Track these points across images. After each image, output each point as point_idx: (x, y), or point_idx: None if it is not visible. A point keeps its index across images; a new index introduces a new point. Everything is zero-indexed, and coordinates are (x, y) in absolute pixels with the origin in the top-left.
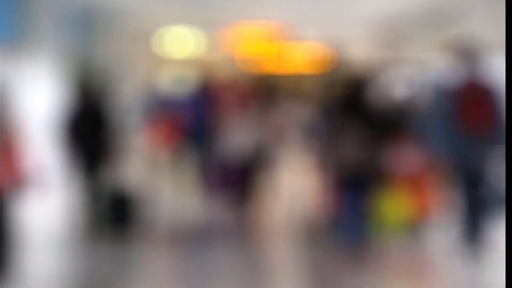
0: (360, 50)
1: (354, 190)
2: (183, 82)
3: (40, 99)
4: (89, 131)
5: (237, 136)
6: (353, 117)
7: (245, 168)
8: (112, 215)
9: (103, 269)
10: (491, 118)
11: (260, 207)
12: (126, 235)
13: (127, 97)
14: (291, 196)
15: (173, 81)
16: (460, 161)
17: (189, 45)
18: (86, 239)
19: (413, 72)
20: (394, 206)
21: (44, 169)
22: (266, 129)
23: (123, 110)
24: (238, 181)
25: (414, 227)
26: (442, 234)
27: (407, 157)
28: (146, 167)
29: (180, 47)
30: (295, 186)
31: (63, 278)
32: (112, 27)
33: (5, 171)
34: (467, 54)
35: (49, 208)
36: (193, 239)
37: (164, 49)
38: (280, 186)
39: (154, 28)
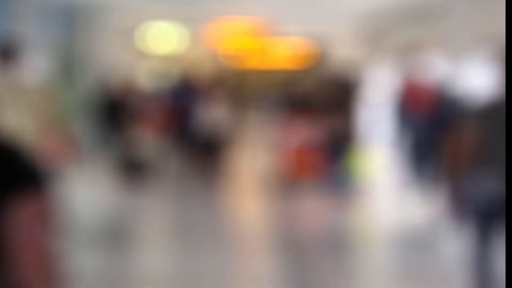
0: (343, 46)
1: (340, 151)
2: (165, 77)
3: None
4: (115, 113)
5: (211, 120)
6: (341, 105)
7: (217, 143)
8: (133, 172)
9: (129, 208)
10: (427, 107)
11: (230, 170)
12: (141, 185)
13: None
14: (256, 160)
15: (156, 76)
16: (408, 134)
17: (172, 40)
18: (116, 190)
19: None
20: (360, 161)
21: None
22: (233, 115)
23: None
24: (212, 152)
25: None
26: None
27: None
28: (148, 143)
29: (163, 43)
30: (257, 155)
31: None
32: (95, 23)
33: (57, 151)
34: (405, 54)
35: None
36: (183, 191)
37: (147, 44)
38: (246, 155)
39: (137, 23)
